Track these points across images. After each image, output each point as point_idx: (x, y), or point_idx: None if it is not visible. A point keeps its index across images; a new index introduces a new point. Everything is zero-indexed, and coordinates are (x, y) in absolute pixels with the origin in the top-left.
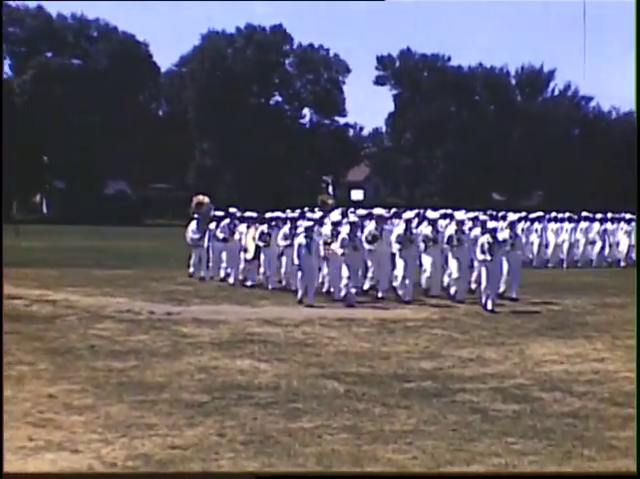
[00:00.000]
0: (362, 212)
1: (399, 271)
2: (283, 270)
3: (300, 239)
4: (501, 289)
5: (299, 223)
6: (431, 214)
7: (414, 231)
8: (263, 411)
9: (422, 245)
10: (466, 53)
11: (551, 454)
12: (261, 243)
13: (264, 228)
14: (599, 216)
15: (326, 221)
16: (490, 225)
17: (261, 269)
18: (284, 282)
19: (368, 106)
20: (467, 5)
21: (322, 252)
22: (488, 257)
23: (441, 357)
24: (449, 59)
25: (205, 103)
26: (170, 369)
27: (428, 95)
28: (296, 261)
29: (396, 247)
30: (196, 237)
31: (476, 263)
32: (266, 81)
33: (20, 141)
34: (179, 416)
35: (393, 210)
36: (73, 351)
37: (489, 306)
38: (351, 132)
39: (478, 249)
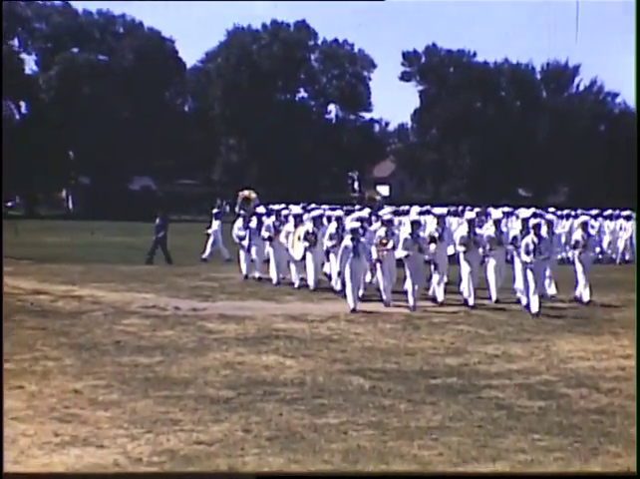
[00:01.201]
0: (417, 209)
1: (464, 275)
2: (329, 271)
3: (347, 242)
4: (553, 292)
5: (345, 220)
6: (495, 212)
7: (477, 231)
8: (289, 407)
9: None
10: (491, 49)
11: (577, 451)
12: (306, 243)
13: (309, 227)
14: (626, 213)
15: (373, 219)
16: (533, 222)
17: (309, 270)
18: (335, 284)
19: (394, 101)
20: (492, 2)
21: (375, 255)
22: (533, 259)
23: (466, 353)
24: (474, 55)
25: (231, 99)
26: (196, 365)
27: (453, 91)
28: (347, 268)
29: (460, 250)
30: (242, 234)
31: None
32: (292, 77)
33: (45, 137)
34: (205, 412)
35: (452, 208)
36: (98, 347)
37: (535, 309)
38: (377, 127)
39: (522, 250)
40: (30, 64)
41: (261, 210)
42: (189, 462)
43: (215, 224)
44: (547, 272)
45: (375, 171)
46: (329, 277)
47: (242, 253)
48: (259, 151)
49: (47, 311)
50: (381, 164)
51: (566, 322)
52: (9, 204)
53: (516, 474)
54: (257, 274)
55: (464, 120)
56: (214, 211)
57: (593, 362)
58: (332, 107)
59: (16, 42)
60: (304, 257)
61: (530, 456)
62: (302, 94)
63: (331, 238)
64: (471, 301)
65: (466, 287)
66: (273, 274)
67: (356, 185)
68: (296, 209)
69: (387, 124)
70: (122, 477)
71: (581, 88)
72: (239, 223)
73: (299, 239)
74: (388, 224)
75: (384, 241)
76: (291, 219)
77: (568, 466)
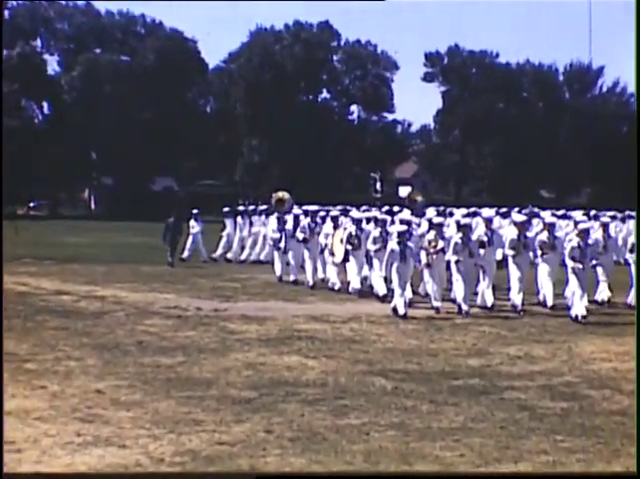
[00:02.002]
0: (463, 211)
1: (513, 280)
2: (373, 276)
3: (393, 246)
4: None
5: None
6: (548, 216)
7: (528, 235)
8: (311, 408)
9: (538, 252)
10: (514, 49)
11: (600, 452)
12: (349, 247)
13: (353, 229)
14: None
15: (422, 222)
16: (583, 226)
17: (351, 273)
18: (378, 290)
19: (416, 102)
20: (513, 2)
21: (424, 259)
22: (580, 266)
23: (489, 355)
24: (497, 55)
25: (253, 99)
26: (218, 365)
27: (476, 92)
28: (394, 273)
29: (509, 254)
30: (277, 236)
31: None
32: (314, 77)
33: (68, 137)
34: (227, 412)
35: (499, 209)
36: (121, 347)
37: (583, 313)
38: (399, 128)
39: (567, 254)
40: (52, 65)
41: (297, 211)
42: (211, 463)
43: (196, 225)
44: (601, 277)
45: (397, 172)
46: (360, 281)
47: (277, 255)
48: (281, 151)
49: (69, 312)
50: (403, 165)
51: (589, 324)
52: (32, 204)
53: (517, 474)
54: (292, 277)
55: (486, 121)
56: (225, 209)
57: (616, 364)
58: (354, 108)
59: (39, 43)
60: (344, 261)
61: (553, 457)
62: (324, 95)
63: (375, 241)
64: (519, 306)
65: (515, 292)
66: (309, 277)
67: (378, 186)
68: (334, 211)
69: (409, 125)
70: (121, 477)
71: (604, 89)
72: (273, 224)
73: (341, 241)
74: (437, 226)
75: (433, 245)
76: (329, 220)
77: (590, 467)
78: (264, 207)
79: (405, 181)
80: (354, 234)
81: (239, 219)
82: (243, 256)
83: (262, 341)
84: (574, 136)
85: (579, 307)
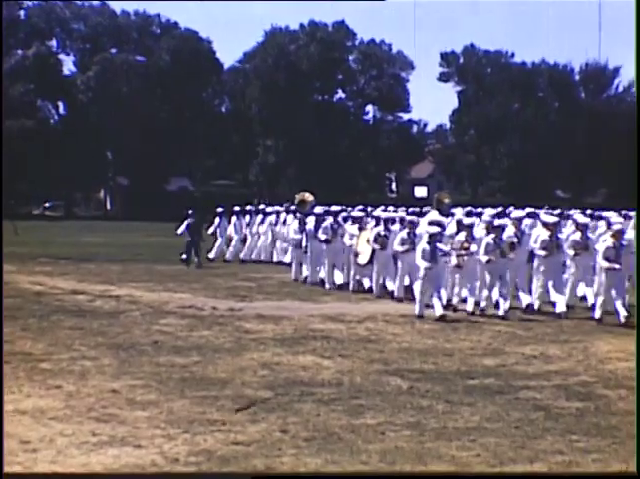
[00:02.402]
0: (491, 211)
1: (540, 282)
2: (398, 278)
3: (423, 246)
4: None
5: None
6: (580, 216)
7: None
8: (326, 408)
9: (570, 253)
10: (529, 49)
11: (616, 452)
12: (377, 247)
13: (380, 229)
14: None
15: (450, 222)
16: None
17: (374, 276)
18: (397, 292)
19: (431, 102)
20: (529, 2)
21: (454, 261)
22: (617, 266)
23: (504, 354)
24: (512, 55)
25: (269, 99)
26: (233, 365)
27: (491, 91)
28: (421, 274)
29: (541, 254)
30: (298, 237)
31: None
32: (329, 77)
33: (83, 137)
34: (242, 412)
35: (528, 209)
36: (136, 347)
37: (624, 315)
38: (414, 128)
39: (601, 255)
40: (68, 65)
41: (319, 211)
42: (227, 463)
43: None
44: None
45: (412, 171)
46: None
47: (296, 256)
48: (296, 151)
49: (85, 311)
50: (418, 164)
51: (605, 323)
52: (47, 204)
53: (517, 474)
54: (313, 278)
55: (501, 121)
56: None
57: (632, 363)
58: (370, 107)
59: (54, 43)
60: (370, 262)
61: (569, 457)
62: (340, 94)
63: (403, 243)
64: (560, 309)
65: (554, 295)
66: (328, 278)
67: (393, 185)
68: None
69: (425, 124)
70: (121, 477)
71: (620, 89)
72: (294, 225)
73: (367, 242)
74: (467, 227)
75: (464, 246)
76: (354, 220)
77: (607, 467)
78: (262, 206)
79: (420, 180)
80: (382, 233)
81: (234, 218)
82: (242, 256)
83: (278, 341)
84: (590, 135)
85: (620, 311)
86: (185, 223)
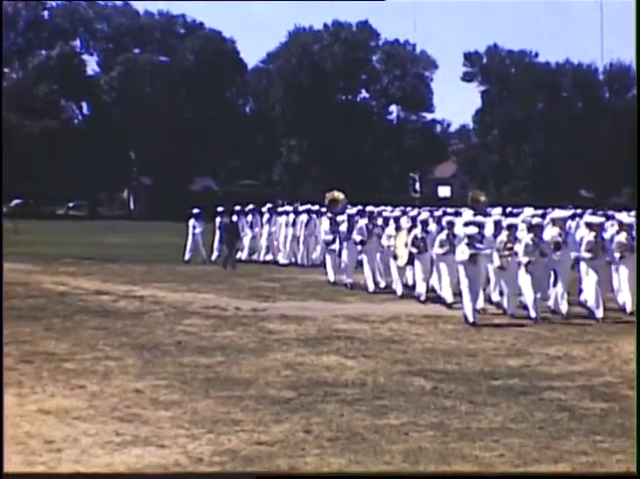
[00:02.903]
0: (531, 211)
1: (589, 284)
2: (439, 281)
3: (462, 247)
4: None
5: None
6: (625, 217)
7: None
8: (350, 408)
9: (617, 255)
10: (553, 49)
11: None
12: (415, 250)
13: (418, 232)
14: None
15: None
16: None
17: (418, 277)
18: (445, 296)
19: (455, 102)
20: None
21: (497, 262)
22: None
23: (528, 355)
24: (536, 55)
25: (292, 99)
26: (257, 365)
27: (515, 91)
28: (464, 278)
29: (585, 256)
30: (330, 238)
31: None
32: (353, 77)
33: (107, 137)
34: (266, 412)
35: (571, 210)
36: (160, 347)
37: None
38: (438, 128)
39: (616, 252)
40: (92, 65)
41: (352, 211)
42: (250, 462)
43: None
44: None
45: (436, 171)
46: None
47: (329, 258)
48: (320, 151)
49: (108, 311)
50: (442, 165)
51: (629, 324)
52: (71, 204)
53: (517, 474)
54: (349, 281)
55: (525, 121)
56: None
57: None
58: (393, 107)
59: (78, 43)
60: (409, 264)
61: (593, 458)
62: (363, 94)
63: (442, 244)
64: (599, 314)
65: (591, 298)
66: (369, 282)
67: (417, 186)
68: (393, 211)
69: (448, 125)
70: (124, 477)
71: None
72: (326, 225)
73: (405, 244)
74: (510, 228)
75: (508, 247)
76: (391, 221)
77: (632, 468)
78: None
79: (444, 181)
80: (419, 236)
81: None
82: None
83: (301, 341)
84: (614, 135)
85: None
86: (217, 221)
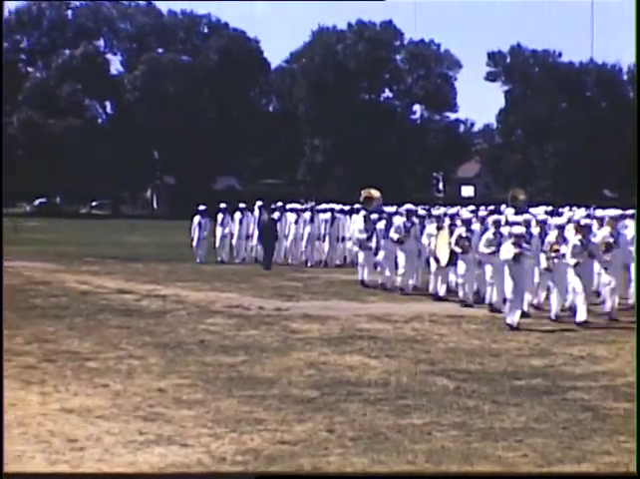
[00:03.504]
0: (582, 212)
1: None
2: (488, 283)
3: (508, 247)
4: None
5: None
6: None
7: None
8: (373, 407)
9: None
10: (577, 48)
11: None
12: (458, 249)
13: (462, 231)
14: None
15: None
16: None
17: (459, 280)
18: (487, 297)
19: (479, 101)
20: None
21: (544, 263)
22: None
23: (551, 355)
24: (560, 55)
25: (316, 99)
26: (280, 365)
27: (539, 91)
28: (509, 279)
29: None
30: (364, 236)
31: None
32: (377, 76)
33: (130, 137)
34: (289, 411)
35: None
36: (183, 346)
37: None
38: (462, 128)
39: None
40: (115, 64)
41: (390, 209)
42: (273, 462)
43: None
44: None
45: (460, 171)
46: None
47: (361, 256)
48: (343, 151)
49: (132, 310)
50: (466, 164)
51: None
52: (94, 203)
53: (516, 474)
54: (384, 281)
55: (549, 120)
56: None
57: None
58: (417, 107)
59: (101, 42)
60: (449, 264)
61: (616, 458)
62: (387, 94)
63: (489, 244)
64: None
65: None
66: (404, 281)
67: (440, 185)
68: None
69: (472, 124)
70: (122, 477)
71: None
72: (360, 224)
73: (449, 244)
74: (558, 228)
75: (555, 248)
76: (432, 220)
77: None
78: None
79: (467, 180)
80: (464, 235)
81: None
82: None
83: (324, 341)
84: (638, 135)
85: None
86: (256, 221)
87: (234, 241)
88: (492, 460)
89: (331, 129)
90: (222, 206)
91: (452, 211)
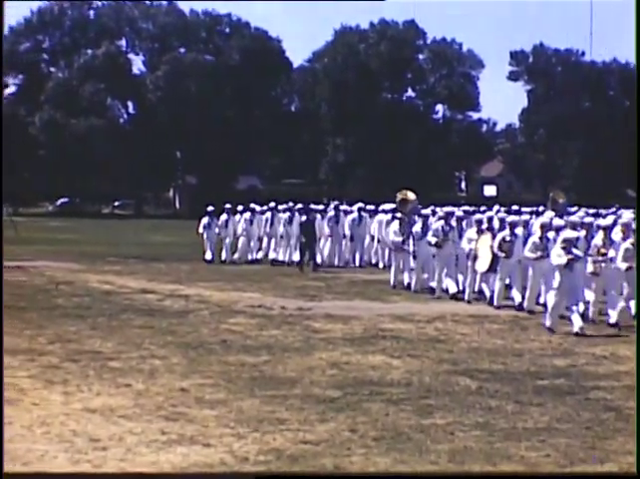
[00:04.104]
0: (629, 214)
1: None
2: (530, 288)
3: (558, 251)
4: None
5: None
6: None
7: None
8: (395, 407)
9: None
10: (600, 48)
11: None
12: (501, 254)
13: (505, 234)
14: None
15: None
16: None
17: (497, 284)
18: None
19: (501, 101)
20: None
21: (590, 268)
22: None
23: (574, 355)
24: (582, 54)
25: (338, 98)
26: (302, 364)
27: (561, 90)
28: (557, 283)
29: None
30: (399, 239)
31: None
32: (399, 76)
33: (153, 136)
34: (311, 411)
35: None
36: (205, 346)
37: None
38: (484, 127)
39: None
40: (137, 64)
41: (427, 211)
42: (296, 462)
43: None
44: None
45: (482, 171)
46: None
47: (395, 260)
48: (365, 150)
49: (154, 310)
50: (488, 164)
51: None
52: (117, 203)
53: (516, 474)
54: (422, 286)
55: (572, 120)
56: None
57: None
58: (439, 107)
59: (124, 42)
60: (490, 269)
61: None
62: (409, 93)
63: (535, 249)
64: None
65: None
66: (438, 286)
67: (463, 185)
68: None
69: (494, 124)
70: (119, 477)
71: None
72: (395, 226)
73: (491, 248)
74: (605, 230)
75: (602, 252)
76: (473, 223)
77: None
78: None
79: (490, 180)
80: (507, 239)
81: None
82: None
83: (347, 340)
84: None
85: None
86: (297, 221)
87: (240, 242)
88: (515, 460)
89: (353, 128)
90: (227, 206)
91: (489, 213)
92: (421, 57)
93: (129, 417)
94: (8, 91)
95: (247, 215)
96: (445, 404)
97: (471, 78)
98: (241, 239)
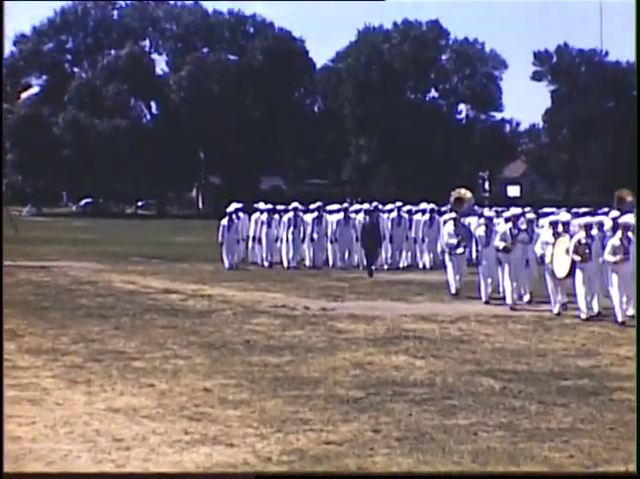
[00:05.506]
0: None
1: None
2: (613, 295)
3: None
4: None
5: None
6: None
7: None
8: (418, 408)
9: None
10: (624, 48)
11: None
12: (577, 258)
13: (581, 237)
14: None
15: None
16: None
17: (579, 291)
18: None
19: (525, 101)
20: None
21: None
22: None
23: (598, 355)
24: (606, 54)
25: (361, 99)
26: (326, 365)
27: (585, 90)
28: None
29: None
30: (454, 242)
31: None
32: (422, 76)
33: (176, 137)
34: (334, 412)
35: None
36: (228, 346)
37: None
38: (507, 127)
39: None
40: (161, 64)
41: (490, 213)
42: (319, 462)
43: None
44: None
45: (506, 171)
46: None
47: (451, 265)
48: (389, 150)
49: (177, 310)
50: (511, 164)
51: None
52: (140, 203)
53: (517, 474)
54: (486, 297)
55: (595, 120)
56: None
57: None
58: (462, 107)
59: (147, 42)
60: (569, 275)
61: None
62: (432, 93)
63: (616, 251)
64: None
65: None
66: (508, 295)
67: (486, 185)
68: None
69: (518, 124)
70: (120, 477)
71: None
72: (450, 227)
73: (567, 251)
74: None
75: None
76: (547, 226)
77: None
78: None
79: (513, 180)
80: (583, 241)
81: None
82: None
83: (370, 341)
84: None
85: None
86: (360, 225)
87: (255, 244)
88: (539, 461)
89: (376, 129)
90: (238, 206)
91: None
92: (444, 57)
93: (152, 417)
94: (32, 91)
95: (290, 214)
96: (468, 405)
97: (493, 78)
98: (284, 243)
